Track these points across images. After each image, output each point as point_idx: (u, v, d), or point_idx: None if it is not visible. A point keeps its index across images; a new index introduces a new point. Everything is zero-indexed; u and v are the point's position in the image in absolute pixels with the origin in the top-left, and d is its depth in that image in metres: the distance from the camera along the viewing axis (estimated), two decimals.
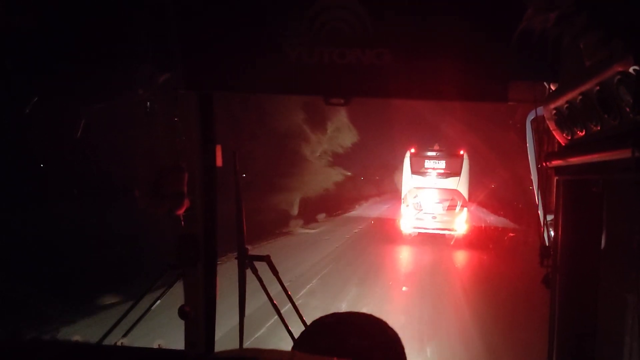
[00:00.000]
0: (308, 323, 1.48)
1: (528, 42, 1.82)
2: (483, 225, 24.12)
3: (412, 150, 21.06)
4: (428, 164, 20.63)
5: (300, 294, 10.68)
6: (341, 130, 30.20)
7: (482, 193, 27.06)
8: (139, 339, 2.78)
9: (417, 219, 19.97)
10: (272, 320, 7.26)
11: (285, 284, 2.85)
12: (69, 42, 2.46)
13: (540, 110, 2.30)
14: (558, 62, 2.19)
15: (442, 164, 20.47)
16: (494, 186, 34.08)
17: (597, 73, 1.53)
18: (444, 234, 19.68)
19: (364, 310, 1.49)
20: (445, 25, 2.24)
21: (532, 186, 3.25)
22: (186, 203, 2.60)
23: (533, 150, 3.41)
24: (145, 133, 2.75)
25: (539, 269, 2.47)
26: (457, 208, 19.67)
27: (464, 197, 19.97)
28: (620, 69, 1.38)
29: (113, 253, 10.35)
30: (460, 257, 17.79)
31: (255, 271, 2.83)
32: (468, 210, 20.36)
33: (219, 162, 2.77)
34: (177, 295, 2.80)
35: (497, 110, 20.68)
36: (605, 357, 2.28)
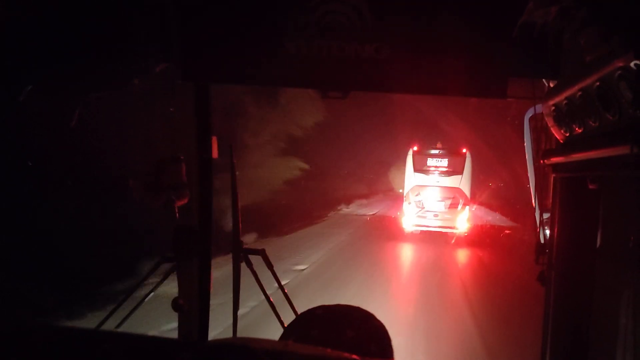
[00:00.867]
0: None
1: (528, 38, 1.82)
2: (479, 223, 24.04)
3: (415, 148, 20.88)
4: (430, 161, 20.44)
5: None
6: (298, 101, 22.36)
7: (479, 191, 26.97)
8: (132, 330, 2.77)
9: (419, 216, 19.77)
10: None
11: None
12: (66, 32, 2.44)
13: (539, 107, 2.29)
14: (557, 59, 2.18)
15: (444, 162, 20.28)
16: (491, 184, 34.02)
17: (597, 69, 1.52)
18: (446, 232, 19.54)
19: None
20: (444, 20, 2.23)
21: (529, 184, 3.25)
22: (186, 195, 2.59)
23: (530, 148, 3.41)
24: (142, 124, 2.74)
25: (534, 266, 2.47)
26: (459, 206, 19.47)
27: (466, 195, 19.78)
28: (620, 64, 1.37)
29: (108, 245, 10.33)
30: (454, 255, 17.79)
31: (249, 265, 2.82)
32: (470, 209, 20.26)
33: (215, 154, 2.76)
34: (171, 287, 2.80)
35: (494, 106, 20.59)
36: (599, 355, 2.28)
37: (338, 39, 2.26)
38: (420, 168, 20.43)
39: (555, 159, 2.26)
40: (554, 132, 2.17)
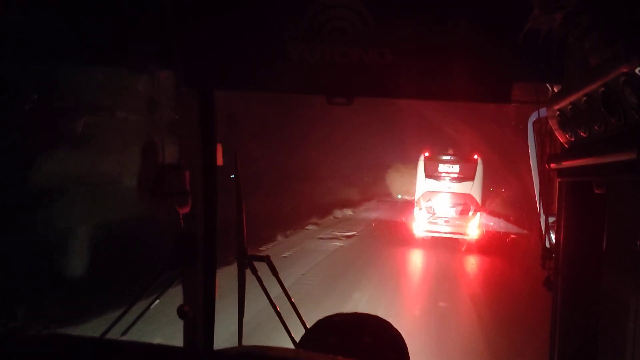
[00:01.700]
0: (308, 325, 1.48)
1: (532, 43, 1.81)
2: (484, 229, 23.79)
3: (426, 154, 20.89)
4: (442, 167, 20.44)
5: None
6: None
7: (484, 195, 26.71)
8: (137, 338, 2.76)
9: (430, 222, 19.78)
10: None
11: None
12: (71, 41, 2.46)
13: (543, 111, 2.28)
14: (561, 64, 2.18)
15: (456, 168, 20.31)
16: (492, 189, 33.35)
17: (602, 74, 1.52)
18: (457, 239, 19.56)
19: None
20: (448, 25, 2.23)
21: (534, 188, 3.24)
22: (188, 202, 2.59)
23: (535, 152, 3.40)
24: (146, 131, 2.75)
25: (539, 271, 2.46)
26: (470, 212, 19.49)
27: (477, 201, 19.81)
28: (625, 69, 1.36)
29: (113, 252, 10.36)
30: (459, 259, 17.69)
31: (255, 271, 2.82)
32: (481, 215, 20.27)
33: (220, 161, 2.76)
34: (176, 294, 2.80)
35: (497, 109, 20.55)
36: (607, 359, 2.27)
37: (342, 44, 2.27)
38: (431, 174, 20.43)
39: (560, 164, 2.25)
40: (558, 136, 2.17)
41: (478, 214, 19.67)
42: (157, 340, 2.92)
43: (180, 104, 2.62)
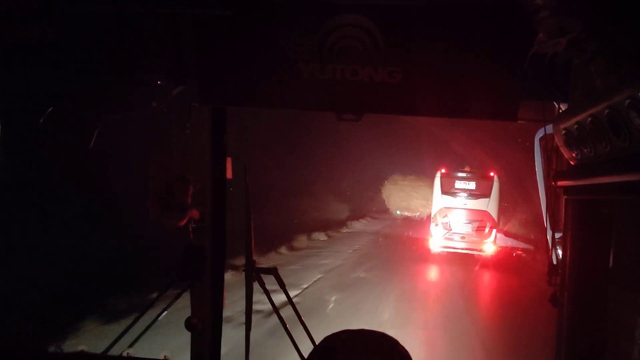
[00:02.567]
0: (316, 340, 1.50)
1: (538, 63, 1.85)
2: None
3: (443, 171, 21.08)
4: (458, 184, 20.64)
5: None
6: None
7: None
8: (145, 350, 2.79)
9: (446, 238, 19.94)
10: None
11: None
12: (87, 56, 2.52)
13: (549, 128, 2.31)
14: (568, 84, 2.21)
15: (472, 185, 20.49)
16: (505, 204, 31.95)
17: (607, 96, 1.55)
18: (472, 254, 19.66)
19: None
20: (457, 45, 2.27)
21: (540, 204, 3.25)
22: (189, 215, 2.61)
23: (541, 168, 3.41)
24: (158, 145, 2.79)
25: (543, 287, 2.47)
26: (487, 229, 19.61)
27: (493, 218, 19.88)
28: (630, 93, 1.39)
29: (122, 264, 10.41)
30: (462, 272, 17.55)
31: (262, 284, 2.84)
32: (497, 232, 20.33)
33: (229, 174, 2.80)
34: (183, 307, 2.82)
35: (498, 123, 20.55)
36: None
37: (352, 63, 2.31)
38: (448, 190, 20.60)
39: (566, 182, 2.27)
40: (564, 153, 2.19)
41: (494, 230, 19.73)
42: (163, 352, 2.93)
43: (192, 119, 2.66)
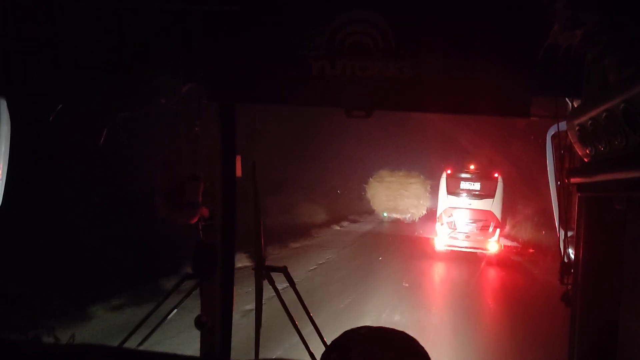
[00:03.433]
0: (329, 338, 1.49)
1: (551, 58, 1.82)
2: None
3: (448, 172, 21.73)
4: (463, 185, 21.23)
5: None
6: None
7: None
8: (154, 348, 2.79)
9: (451, 237, 20.39)
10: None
11: None
12: (96, 54, 2.52)
13: (562, 125, 2.28)
14: (581, 79, 2.18)
15: (477, 185, 21.07)
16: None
17: (622, 90, 1.53)
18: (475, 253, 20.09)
19: None
20: (467, 40, 2.24)
21: (552, 202, 3.21)
22: (200, 213, 2.61)
23: (553, 166, 3.38)
24: (167, 143, 2.79)
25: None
26: (490, 228, 20.10)
27: (497, 218, 20.35)
28: None
29: (131, 259, 10.49)
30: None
31: (272, 282, 2.83)
32: (501, 231, 20.79)
33: (239, 172, 2.80)
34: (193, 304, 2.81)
35: (500, 119, 20.54)
36: None
37: (362, 59, 2.29)
38: (453, 190, 21.17)
39: (579, 179, 2.24)
40: (578, 150, 2.16)
41: (498, 230, 20.18)
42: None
43: (201, 117, 2.66)
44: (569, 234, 2.51)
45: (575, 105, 2.28)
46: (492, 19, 2.23)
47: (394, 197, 33.24)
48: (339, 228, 29.52)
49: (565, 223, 2.59)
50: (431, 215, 26.66)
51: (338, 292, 12.66)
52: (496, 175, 21.06)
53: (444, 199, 21.29)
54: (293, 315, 2.80)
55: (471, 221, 20.41)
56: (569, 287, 2.39)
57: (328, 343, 1.46)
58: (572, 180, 2.29)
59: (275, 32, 2.35)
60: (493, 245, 19.81)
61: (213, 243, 2.72)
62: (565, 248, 2.51)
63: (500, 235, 20.68)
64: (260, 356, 2.93)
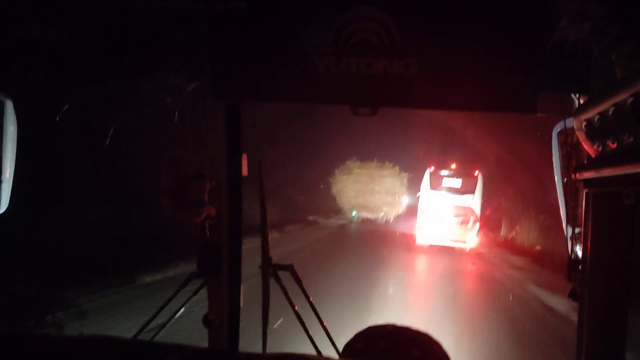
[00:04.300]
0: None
1: (557, 53, 1.81)
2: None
3: (432, 169, 23.05)
4: (445, 181, 22.56)
5: None
6: None
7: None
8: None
9: (432, 232, 21.59)
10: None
11: None
12: (101, 53, 2.52)
13: (569, 122, 2.27)
14: (588, 74, 2.17)
15: (458, 182, 22.45)
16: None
17: (631, 84, 1.51)
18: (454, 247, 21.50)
19: None
20: (473, 36, 2.23)
21: (558, 198, 3.20)
22: (205, 212, 2.61)
23: (559, 163, 3.36)
24: (172, 141, 2.80)
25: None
26: (470, 223, 21.49)
27: (476, 213, 21.77)
28: None
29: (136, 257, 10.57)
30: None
31: (279, 280, 2.83)
32: (480, 226, 22.25)
33: (245, 171, 2.80)
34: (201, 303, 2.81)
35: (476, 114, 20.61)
36: None
37: (367, 56, 2.29)
38: (435, 187, 22.51)
39: (587, 174, 2.23)
40: (585, 147, 2.15)
41: (477, 224, 21.70)
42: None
43: (206, 115, 2.66)
44: (576, 230, 2.50)
45: (582, 102, 2.27)
46: (498, 15, 2.22)
47: (363, 192, 29.68)
48: (277, 236, 21.86)
49: (572, 220, 2.58)
50: (410, 214, 26.91)
51: None
52: (476, 172, 22.48)
53: (427, 195, 22.53)
54: (300, 314, 2.80)
55: (452, 216, 21.67)
56: (576, 283, 2.38)
57: (336, 343, 1.48)
58: (580, 176, 2.28)
59: (280, 30, 2.35)
60: (472, 239, 21.35)
61: (219, 242, 2.72)
62: (573, 245, 2.50)
63: (479, 230, 22.17)
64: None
